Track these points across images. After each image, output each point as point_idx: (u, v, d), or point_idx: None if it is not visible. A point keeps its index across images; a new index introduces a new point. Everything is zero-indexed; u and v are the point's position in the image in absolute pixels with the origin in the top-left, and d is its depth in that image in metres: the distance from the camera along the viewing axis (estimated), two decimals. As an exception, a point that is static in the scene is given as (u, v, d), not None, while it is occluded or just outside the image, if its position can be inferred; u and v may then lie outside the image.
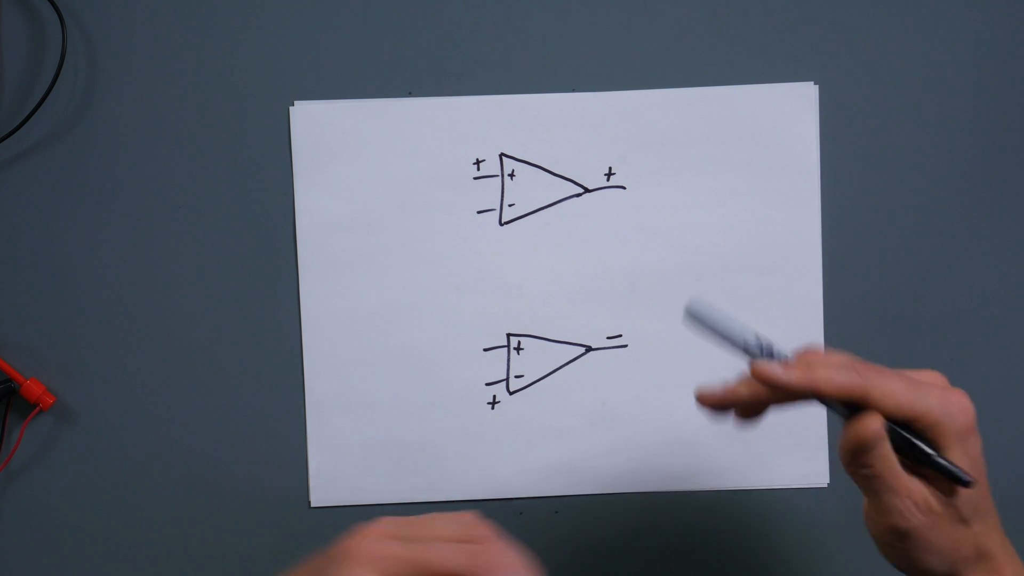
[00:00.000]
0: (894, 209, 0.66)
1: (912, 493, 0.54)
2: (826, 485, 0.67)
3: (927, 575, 0.55)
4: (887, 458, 0.53)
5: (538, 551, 0.67)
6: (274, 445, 0.66)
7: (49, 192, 0.65)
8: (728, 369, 0.66)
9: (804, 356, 0.54)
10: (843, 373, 0.53)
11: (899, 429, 0.54)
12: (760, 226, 0.66)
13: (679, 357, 0.66)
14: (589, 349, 0.66)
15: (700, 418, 0.66)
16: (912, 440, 0.54)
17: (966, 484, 0.54)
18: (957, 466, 0.54)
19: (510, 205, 0.66)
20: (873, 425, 0.52)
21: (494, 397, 0.66)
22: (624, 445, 0.66)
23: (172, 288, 0.66)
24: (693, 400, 0.66)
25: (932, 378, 0.55)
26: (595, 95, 0.66)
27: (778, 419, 0.66)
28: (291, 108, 0.65)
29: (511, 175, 0.66)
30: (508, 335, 0.66)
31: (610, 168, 0.66)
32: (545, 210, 0.66)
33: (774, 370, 0.53)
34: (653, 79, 0.66)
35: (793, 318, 0.66)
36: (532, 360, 0.66)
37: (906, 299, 0.67)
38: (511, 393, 0.66)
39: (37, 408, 0.65)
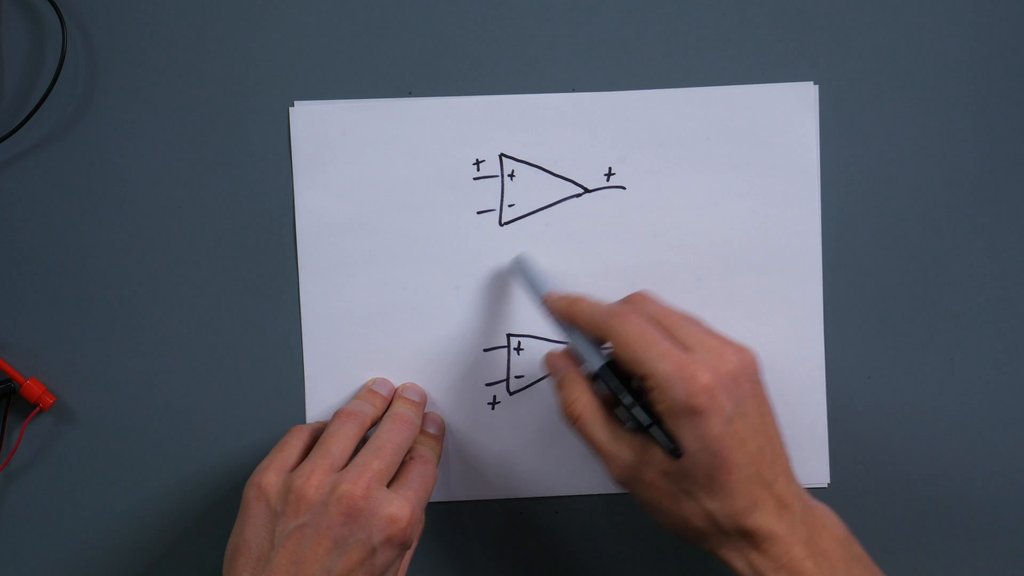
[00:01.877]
0: (894, 209, 0.66)
1: (616, 458, 0.57)
2: (826, 485, 0.67)
3: (687, 535, 0.57)
4: (587, 428, 0.58)
5: (538, 551, 0.68)
6: (274, 445, 0.66)
7: (49, 192, 0.65)
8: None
9: (576, 296, 0.60)
10: (596, 312, 0.58)
11: (611, 385, 0.57)
12: (760, 226, 0.66)
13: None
14: (589, 349, 0.66)
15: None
16: (621, 399, 0.57)
17: (672, 454, 0.55)
18: (666, 435, 0.55)
19: (510, 205, 0.66)
20: (570, 411, 0.58)
21: (494, 397, 0.66)
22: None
23: (172, 288, 0.66)
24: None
25: (720, 350, 0.55)
26: (595, 95, 0.66)
27: (778, 419, 0.66)
28: (291, 108, 0.65)
29: (511, 175, 0.66)
30: (508, 335, 0.66)
31: (610, 168, 0.66)
32: (545, 210, 0.66)
33: (550, 297, 0.61)
34: (653, 79, 0.66)
35: (793, 318, 0.66)
36: (532, 360, 0.66)
37: (906, 299, 0.67)
38: (511, 393, 0.66)
39: (37, 408, 0.65)
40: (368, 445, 0.60)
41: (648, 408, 0.56)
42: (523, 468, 0.67)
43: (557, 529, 0.67)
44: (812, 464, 0.67)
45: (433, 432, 0.65)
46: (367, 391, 0.65)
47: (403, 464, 0.61)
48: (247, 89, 0.65)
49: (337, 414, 0.62)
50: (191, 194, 0.65)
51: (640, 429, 0.56)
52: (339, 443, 0.60)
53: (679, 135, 0.66)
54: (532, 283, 0.63)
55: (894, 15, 0.66)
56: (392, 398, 0.65)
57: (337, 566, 0.56)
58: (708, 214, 0.66)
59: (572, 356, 0.60)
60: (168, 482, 0.66)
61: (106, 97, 0.65)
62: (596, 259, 0.66)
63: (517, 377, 0.66)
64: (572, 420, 0.58)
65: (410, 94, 0.65)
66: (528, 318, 0.66)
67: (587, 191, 0.66)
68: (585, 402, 0.58)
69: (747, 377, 0.56)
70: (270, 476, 0.59)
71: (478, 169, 0.66)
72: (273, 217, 0.65)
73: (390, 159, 0.65)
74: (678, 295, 0.66)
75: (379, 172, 0.65)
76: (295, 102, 0.65)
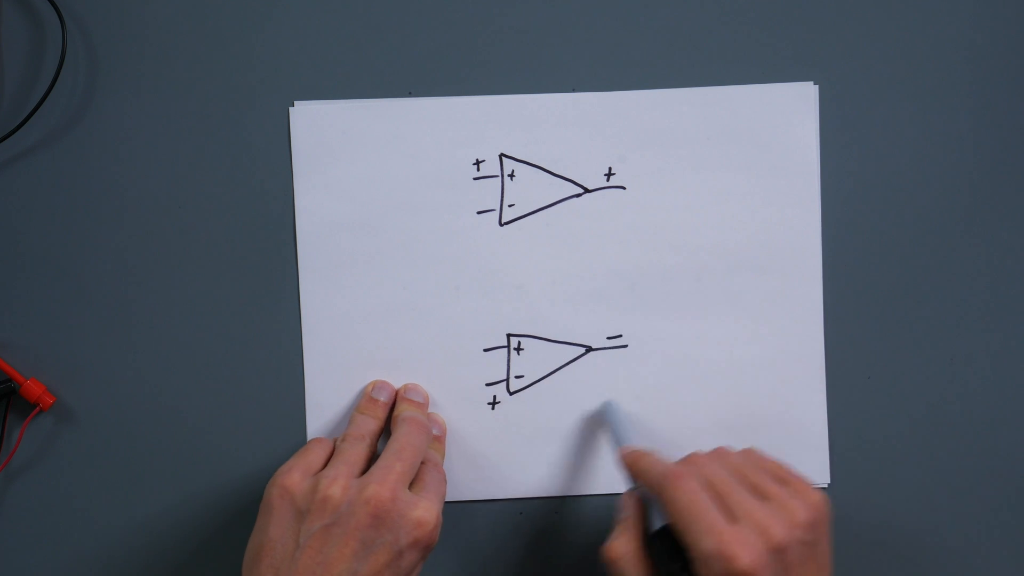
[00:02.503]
0: (894, 209, 0.66)
1: None
2: (826, 485, 0.67)
3: None
4: (621, 572, 0.57)
5: (538, 551, 0.68)
6: (274, 445, 0.66)
7: (49, 192, 0.65)
8: (723, 371, 0.67)
9: (642, 452, 0.60)
10: (655, 472, 0.58)
11: (660, 550, 0.57)
12: (760, 226, 0.66)
13: (679, 357, 0.66)
14: (589, 349, 0.66)
15: (700, 419, 0.66)
16: (668, 566, 0.56)
17: None
18: None
19: (510, 205, 0.66)
20: (610, 553, 0.57)
21: (494, 397, 0.66)
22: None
23: (172, 288, 0.66)
24: (694, 400, 0.67)
25: (766, 523, 0.54)
26: (595, 95, 0.66)
27: (778, 419, 0.66)
28: (291, 108, 0.65)
29: (511, 175, 0.66)
30: (508, 335, 0.66)
31: (610, 168, 0.66)
32: (545, 210, 0.66)
33: (622, 451, 0.61)
34: (653, 79, 0.66)
35: (793, 318, 0.66)
36: (532, 360, 0.66)
37: (906, 299, 0.67)
38: (511, 393, 0.66)
39: (37, 408, 0.65)
40: (388, 448, 0.60)
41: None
42: (523, 468, 0.67)
43: (557, 529, 0.67)
44: (812, 464, 0.67)
45: (436, 433, 0.65)
46: (367, 400, 0.65)
47: (422, 467, 0.62)
48: (247, 89, 0.65)
49: (345, 437, 0.62)
50: (191, 194, 0.65)
51: None
52: (356, 455, 0.61)
53: (679, 135, 0.66)
54: (615, 433, 0.63)
55: (894, 15, 0.66)
56: (393, 401, 0.65)
57: (363, 568, 0.56)
58: (708, 214, 0.66)
59: (641, 502, 0.60)
60: (168, 482, 0.66)
61: (106, 97, 0.65)
62: (596, 259, 0.66)
63: (517, 377, 0.66)
64: (608, 561, 0.58)
65: (410, 94, 0.66)
66: (528, 318, 0.66)
67: (587, 191, 0.66)
68: (627, 548, 0.57)
69: (795, 545, 0.55)
70: (295, 476, 0.59)
71: (478, 169, 0.66)
72: (273, 217, 0.65)
73: (390, 159, 0.65)
74: (678, 295, 0.66)
75: (379, 172, 0.65)
76: (295, 102, 0.65)
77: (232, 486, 0.66)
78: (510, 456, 0.67)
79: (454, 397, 0.66)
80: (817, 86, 0.66)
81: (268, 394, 0.66)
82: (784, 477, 0.58)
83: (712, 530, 0.54)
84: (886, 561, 0.67)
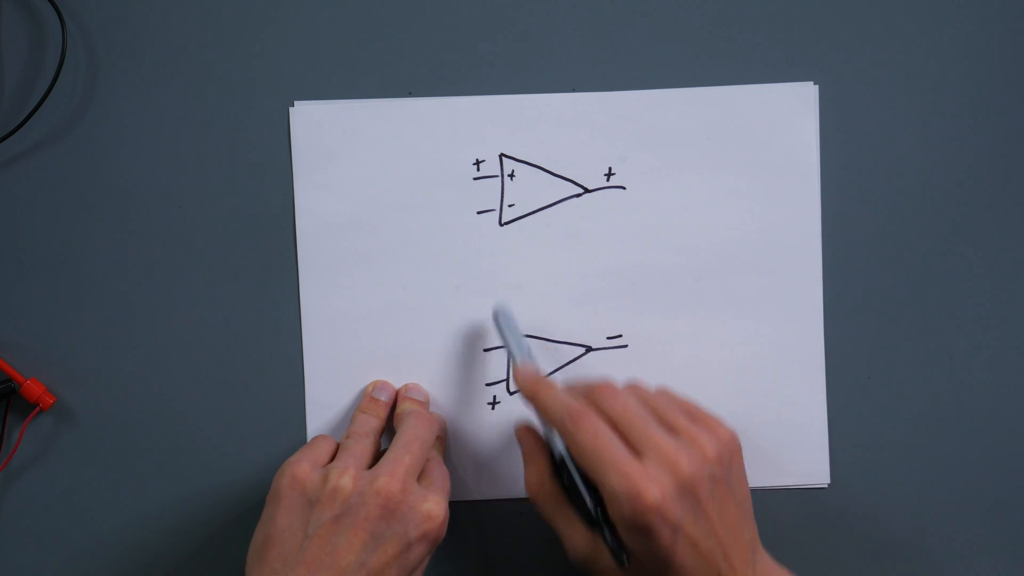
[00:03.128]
0: (894, 209, 0.66)
1: (570, 542, 0.58)
2: (826, 485, 0.67)
3: None
4: (544, 510, 0.59)
5: (538, 551, 0.68)
6: (275, 445, 0.66)
7: (49, 192, 0.65)
8: (723, 371, 0.67)
9: (540, 381, 0.59)
10: (555, 407, 0.57)
11: (577, 483, 0.57)
12: (760, 226, 0.66)
13: (679, 357, 0.66)
14: (589, 349, 0.66)
15: (700, 418, 0.66)
16: (580, 496, 0.57)
17: (618, 563, 0.55)
18: (616, 540, 0.55)
19: (510, 205, 0.66)
20: (528, 490, 0.59)
21: (494, 397, 0.66)
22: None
23: (172, 288, 0.66)
24: (694, 400, 0.66)
25: (674, 457, 0.54)
26: (595, 95, 0.66)
27: (778, 419, 0.66)
28: (291, 108, 0.65)
29: (511, 175, 0.66)
30: (508, 335, 0.66)
31: (610, 168, 0.66)
32: (545, 210, 0.66)
33: (519, 375, 0.60)
34: (653, 79, 0.66)
35: (793, 318, 0.66)
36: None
37: (906, 299, 0.67)
38: (511, 393, 0.66)
39: (37, 408, 0.65)
40: (396, 441, 0.60)
41: (602, 506, 0.56)
42: (523, 468, 0.67)
43: (557, 529, 0.67)
44: (812, 464, 0.67)
45: (439, 434, 0.65)
46: (368, 400, 0.65)
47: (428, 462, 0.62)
48: (247, 89, 0.65)
49: (349, 434, 0.62)
50: (191, 194, 0.65)
51: (594, 528, 0.57)
52: (362, 450, 0.60)
53: (679, 135, 0.66)
54: (508, 342, 0.63)
55: (894, 15, 0.66)
56: (394, 401, 0.65)
57: (372, 559, 0.56)
58: (708, 214, 0.66)
59: (537, 432, 0.61)
60: (168, 482, 0.66)
61: (106, 97, 0.65)
62: (596, 259, 0.66)
63: (517, 377, 0.66)
64: (531, 499, 0.59)
65: (410, 94, 0.65)
66: (528, 318, 0.66)
67: (587, 191, 0.66)
68: (541, 485, 0.59)
69: (705, 480, 0.54)
70: (305, 466, 0.58)
71: (478, 169, 0.66)
72: (273, 217, 0.65)
73: (390, 159, 0.65)
74: (678, 295, 0.66)
75: (379, 172, 0.65)
76: (295, 102, 0.65)
77: (232, 486, 0.66)
78: (510, 456, 0.67)
79: (454, 397, 0.66)
80: (817, 86, 0.66)
81: (268, 394, 0.66)
82: (695, 414, 0.58)
83: (617, 467, 0.53)
84: (886, 560, 0.67)
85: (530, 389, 0.59)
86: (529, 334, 0.66)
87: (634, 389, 0.59)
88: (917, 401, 0.67)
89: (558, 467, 0.59)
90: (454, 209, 0.66)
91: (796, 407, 0.66)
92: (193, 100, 0.65)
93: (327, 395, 0.66)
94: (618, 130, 0.66)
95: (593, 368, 0.66)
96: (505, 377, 0.66)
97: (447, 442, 0.66)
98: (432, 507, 0.57)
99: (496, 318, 0.63)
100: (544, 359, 0.66)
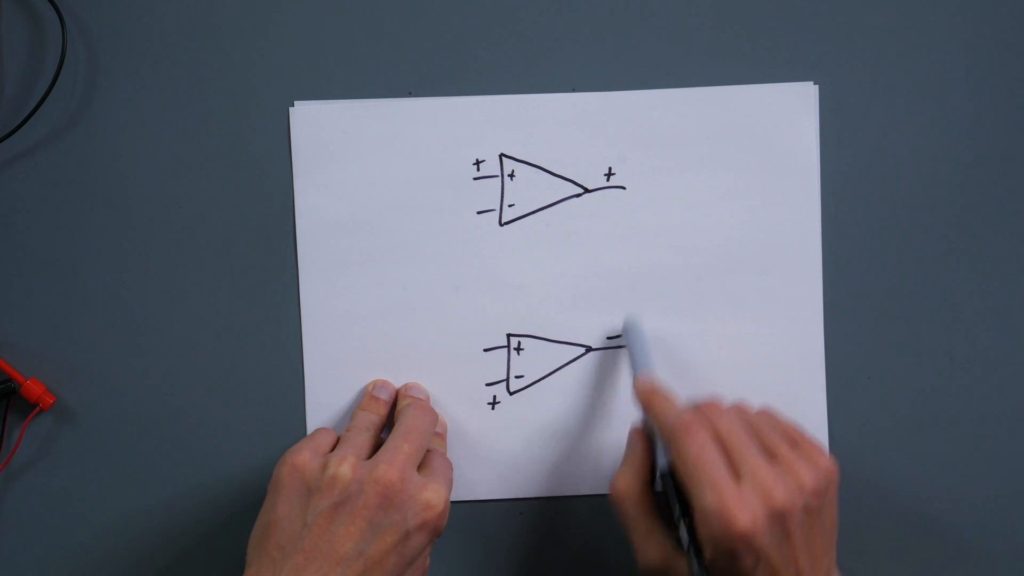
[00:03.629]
0: (894, 209, 0.66)
1: (644, 552, 0.58)
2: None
3: None
4: (624, 512, 0.58)
5: (538, 551, 0.68)
6: (275, 445, 0.66)
7: (49, 192, 0.65)
8: (725, 370, 0.67)
9: (656, 389, 0.60)
10: (667, 416, 0.58)
11: (668, 492, 0.58)
12: (760, 226, 0.66)
13: (680, 357, 0.66)
14: (589, 349, 0.66)
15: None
16: (678, 512, 0.57)
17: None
18: (699, 559, 0.55)
19: (510, 205, 0.66)
20: (614, 488, 0.59)
21: (494, 397, 0.66)
22: (624, 445, 0.66)
23: (172, 288, 0.66)
24: (694, 399, 0.66)
25: (769, 485, 0.54)
26: (595, 95, 0.66)
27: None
28: (291, 108, 0.65)
29: (511, 175, 0.66)
30: (508, 335, 0.66)
31: (610, 168, 0.66)
32: (545, 210, 0.66)
33: (638, 380, 0.61)
34: (653, 79, 0.66)
35: (793, 318, 0.66)
36: (532, 360, 0.66)
37: (906, 298, 0.67)
38: (511, 393, 0.66)
39: (37, 408, 0.65)
40: (396, 431, 0.60)
41: (693, 525, 0.56)
42: (523, 468, 0.67)
43: (557, 529, 0.67)
44: (812, 464, 0.67)
45: (437, 431, 0.65)
46: (368, 398, 0.65)
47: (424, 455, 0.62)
48: (247, 89, 0.65)
49: (349, 428, 0.62)
50: (191, 194, 0.65)
51: (681, 546, 0.57)
52: (362, 441, 0.60)
53: (679, 135, 0.66)
54: (634, 354, 0.63)
55: (894, 15, 0.66)
56: (394, 401, 0.65)
57: (370, 548, 0.56)
58: (708, 214, 0.66)
59: (649, 439, 0.60)
60: (168, 482, 0.66)
61: (106, 97, 0.65)
62: (596, 259, 0.66)
63: (517, 377, 0.66)
64: (613, 498, 0.59)
65: (410, 94, 0.66)
66: (528, 318, 0.66)
67: (587, 191, 0.66)
68: (631, 488, 0.58)
69: (797, 511, 0.54)
70: (305, 455, 0.58)
71: (478, 169, 0.66)
72: (273, 217, 0.65)
73: (390, 159, 0.65)
74: (678, 295, 0.66)
75: (379, 172, 0.65)
76: (295, 102, 0.65)
77: (232, 486, 0.66)
78: (510, 456, 0.67)
79: (454, 397, 0.66)
80: (817, 86, 0.66)
81: (268, 394, 0.66)
82: (797, 440, 0.57)
83: (715, 487, 0.53)
84: (887, 559, 0.67)
85: (646, 396, 0.60)
86: (529, 334, 0.66)
87: (739, 410, 0.59)
88: (917, 400, 0.67)
89: (655, 477, 0.59)
90: (454, 209, 0.66)
91: (796, 406, 0.66)
92: (193, 100, 0.65)
93: (327, 395, 0.66)
94: (618, 130, 0.66)
95: (593, 368, 0.66)
96: (505, 377, 0.66)
97: (446, 440, 0.66)
98: (431, 496, 0.57)
99: (626, 332, 0.65)
100: (544, 359, 0.66)
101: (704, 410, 0.58)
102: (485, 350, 0.66)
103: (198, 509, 0.66)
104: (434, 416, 0.63)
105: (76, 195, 0.65)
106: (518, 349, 0.66)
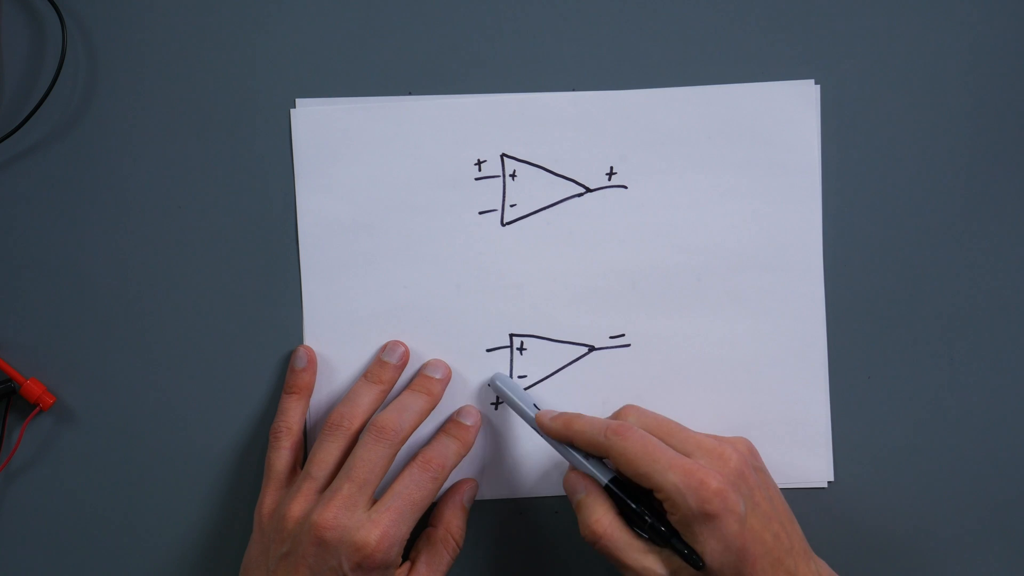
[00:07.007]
0: (895, 208, 0.67)
1: (647, 572, 0.58)
2: (826, 485, 0.67)
3: None
4: (612, 547, 0.58)
5: (539, 551, 0.68)
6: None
7: (49, 192, 0.65)
8: (725, 370, 0.67)
9: (569, 416, 0.61)
10: (594, 431, 0.59)
11: (631, 503, 0.58)
12: (761, 225, 0.66)
13: (682, 356, 0.66)
14: (592, 349, 0.66)
15: (701, 418, 0.66)
16: (641, 513, 0.58)
17: (695, 566, 0.56)
18: (688, 546, 0.56)
19: (512, 205, 0.66)
20: (591, 531, 0.59)
21: (497, 398, 0.66)
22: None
23: (173, 289, 0.65)
24: (697, 399, 0.67)
25: (719, 451, 0.58)
26: (596, 95, 0.66)
27: (781, 418, 0.67)
28: (292, 109, 0.65)
29: (512, 175, 0.66)
30: (511, 335, 0.66)
31: (611, 168, 0.66)
32: (547, 210, 0.66)
33: (544, 420, 0.62)
34: (654, 78, 0.66)
35: (795, 317, 0.66)
36: (535, 360, 0.66)
37: (907, 298, 0.67)
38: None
39: (37, 408, 0.65)
40: (344, 466, 0.60)
41: (661, 519, 0.58)
42: (523, 468, 0.67)
43: (557, 529, 0.67)
44: (814, 463, 0.67)
45: (467, 424, 0.65)
46: (377, 364, 0.64)
47: (404, 469, 0.61)
48: (248, 89, 0.65)
49: (324, 426, 0.62)
50: (192, 194, 0.65)
51: (660, 541, 0.58)
52: (322, 462, 0.61)
53: (680, 134, 0.66)
54: (516, 405, 0.64)
55: (894, 14, 0.66)
56: (405, 362, 0.65)
57: None
58: (710, 213, 0.66)
59: (582, 472, 0.61)
60: (168, 482, 0.66)
61: (106, 97, 0.65)
62: (598, 258, 0.66)
63: (520, 377, 0.66)
64: (594, 540, 0.59)
65: (410, 94, 0.65)
66: (531, 318, 0.66)
67: (588, 191, 0.66)
68: (607, 521, 0.59)
69: (749, 469, 0.58)
70: (267, 502, 0.62)
71: (480, 169, 0.66)
72: (275, 217, 0.65)
73: (392, 159, 0.65)
74: (680, 294, 0.66)
75: (381, 172, 0.65)
76: (296, 102, 0.65)
77: (232, 486, 0.66)
78: (511, 456, 0.67)
79: (456, 397, 0.66)
80: (818, 85, 0.66)
81: (270, 394, 0.66)
82: (700, 433, 0.61)
83: (674, 466, 0.56)
84: (887, 560, 0.67)
85: (563, 424, 0.61)
86: (531, 334, 0.66)
87: (643, 411, 0.63)
88: (918, 400, 0.67)
89: (612, 498, 0.60)
90: (456, 209, 0.66)
91: (798, 406, 0.66)
92: (194, 100, 0.65)
93: (329, 396, 0.66)
94: (619, 129, 0.66)
95: (596, 367, 0.66)
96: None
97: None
98: (362, 537, 0.57)
99: (497, 387, 0.65)
100: (546, 359, 0.66)
101: (623, 415, 0.61)
102: (488, 350, 0.66)
103: (198, 510, 0.66)
104: (393, 443, 0.61)
105: (76, 195, 0.65)
106: (521, 349, 0.66)
